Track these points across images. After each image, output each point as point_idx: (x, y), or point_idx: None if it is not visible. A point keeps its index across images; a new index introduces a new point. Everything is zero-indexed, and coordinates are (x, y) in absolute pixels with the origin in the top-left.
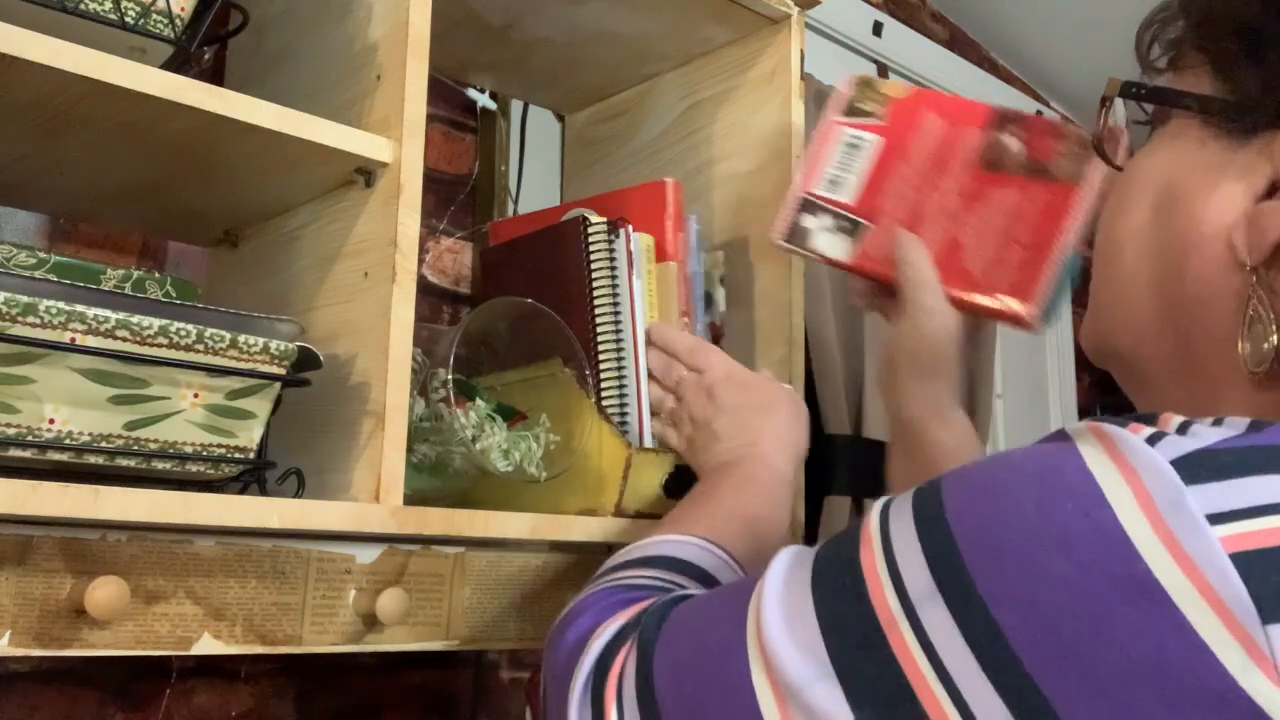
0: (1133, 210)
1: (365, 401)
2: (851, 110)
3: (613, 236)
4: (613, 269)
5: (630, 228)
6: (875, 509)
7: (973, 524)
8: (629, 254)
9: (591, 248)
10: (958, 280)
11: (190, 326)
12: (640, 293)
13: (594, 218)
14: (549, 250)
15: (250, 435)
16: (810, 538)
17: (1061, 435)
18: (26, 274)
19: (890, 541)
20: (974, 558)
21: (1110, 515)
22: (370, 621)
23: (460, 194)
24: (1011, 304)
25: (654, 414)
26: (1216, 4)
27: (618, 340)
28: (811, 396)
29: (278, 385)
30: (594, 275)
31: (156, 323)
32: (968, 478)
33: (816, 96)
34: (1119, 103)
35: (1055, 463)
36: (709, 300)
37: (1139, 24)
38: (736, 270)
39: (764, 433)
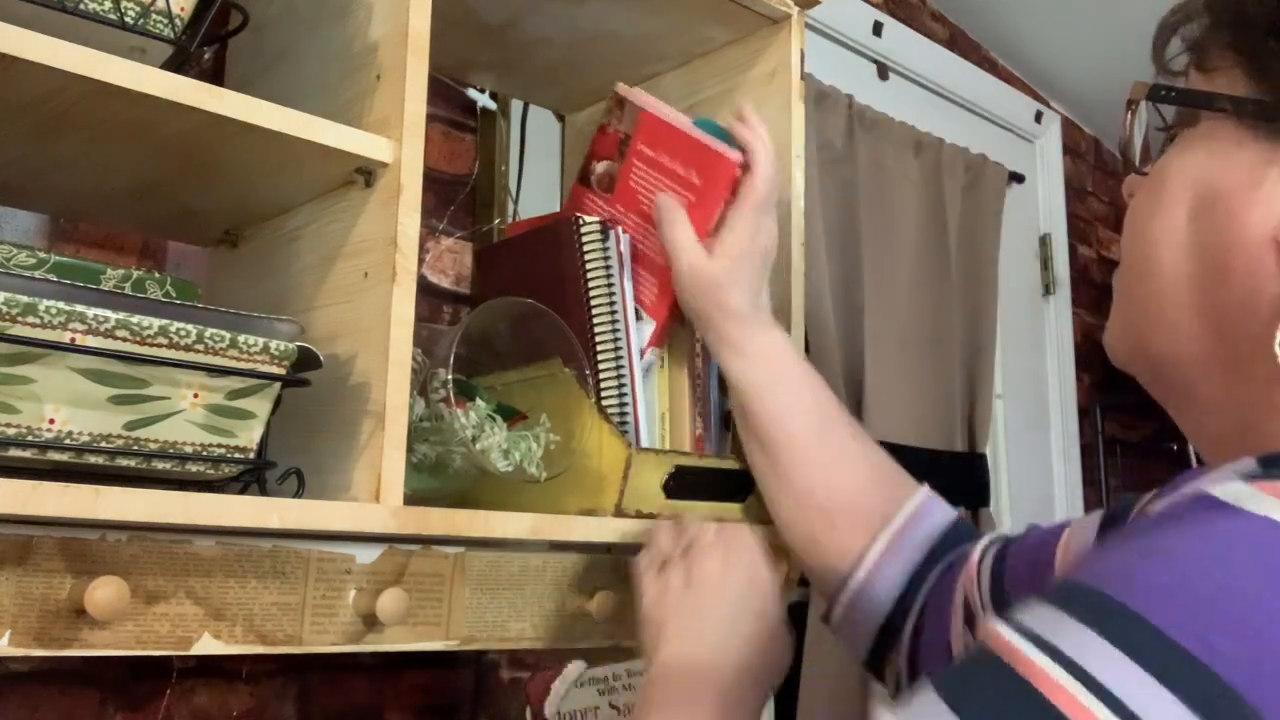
0: (1166, 213)
1: (365, 401)
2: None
3: (604, 236)
4: (607, 269)
5: (620, 229)
6: (1018, 640)
7: (1224, 639)
8: (619, 254)
9: (586, 248)
10: (700, 220)
11: (190, 326)
12: (631, 293)
13: (587, 218)
14: (544, 250)
15: (250, 435)
16: None
17: (1214, 504)
18: (26, 274)
19: (1094, 678)
20: (1245, 678)
21: None
22: (370, 621)
23: (460, 194)
24: (726, 178)
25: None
26: (1250, 4)
27: (615, 340)
28: None
29: (278, 385)
30: (589, 275)
31: (156, 323)
32: (1167, 586)
33: (816, 97)
34: (1142, 106)
35: (1262, 541)
36: None
37: (1156, 25)
38: None
39: (754, 661)
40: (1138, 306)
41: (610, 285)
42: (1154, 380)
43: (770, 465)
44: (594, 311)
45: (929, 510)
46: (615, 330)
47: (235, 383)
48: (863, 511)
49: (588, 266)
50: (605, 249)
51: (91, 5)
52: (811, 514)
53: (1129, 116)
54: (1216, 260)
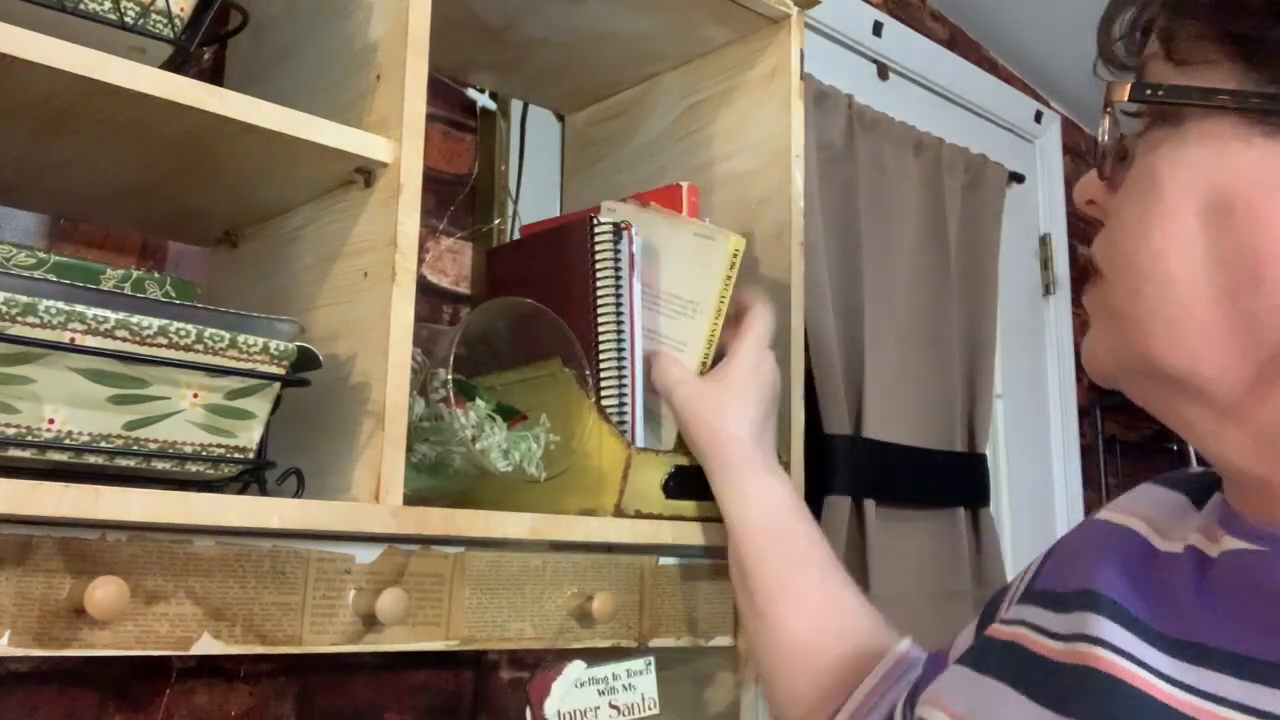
0: (1170, 220)
1: (365, 401)
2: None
3: (617, 237)
4: (616, 269)
5: (633, 229)
6: None
7: None
8: (630, 255)
9: (598, 248)
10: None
11: (190, 326)
12: (639, 294)
13: (602, 218)
14: (555, 250)
15: (250, 435)
16: None
17: None
18: (26, 274)
19: None
20: None
21: None
22: (370, 621)
23: (460, 194)
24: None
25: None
26: None
27: (619, 340)
28: (811, 396)
29: (277, 385)
30: (598, 275)
31: (156, 323)
32: None
33: (816, 96)
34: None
35: None
36: None
37: (1100, 21)
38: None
39: None
40: (1141, 322)
41: (619, 284)
42: (1163, 399)
43: (757, 614)
44: (599, 309)
45: (903, 666)
46: (619, 330)
47: (235, 383)
48: (842, 670)
49: (598, 264)
50: (617, 249)
51: (91, 5)
52: (795, 671)
53: (1107, 122)
54: (1245, 268)
